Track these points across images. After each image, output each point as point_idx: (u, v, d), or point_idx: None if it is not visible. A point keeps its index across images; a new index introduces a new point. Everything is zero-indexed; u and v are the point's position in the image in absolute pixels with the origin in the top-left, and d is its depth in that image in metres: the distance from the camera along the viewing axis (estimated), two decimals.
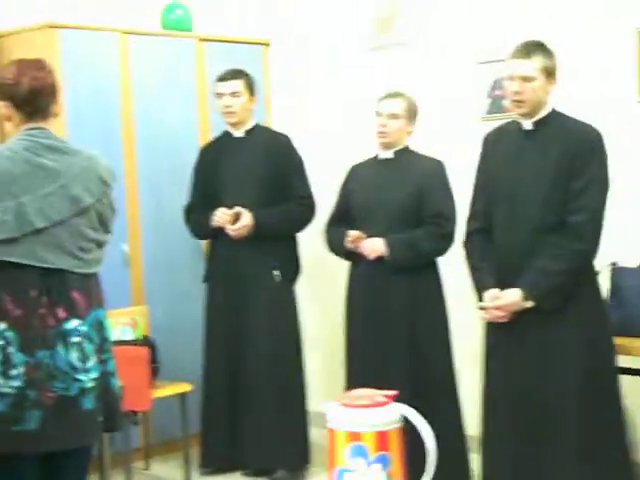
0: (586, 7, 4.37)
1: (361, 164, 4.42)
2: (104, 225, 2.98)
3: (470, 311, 3.86)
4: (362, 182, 4.34)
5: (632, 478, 3.60)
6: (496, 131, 3.77)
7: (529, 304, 3.43)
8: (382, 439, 1.78)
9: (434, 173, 4.22)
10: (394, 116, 4.16)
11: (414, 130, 4.26)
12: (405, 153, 4.26)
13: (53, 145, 2.87)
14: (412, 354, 4.10)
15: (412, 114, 4.21)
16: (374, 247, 4.13)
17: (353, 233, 4.17)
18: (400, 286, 4.13)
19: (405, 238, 4.11)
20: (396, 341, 4.10)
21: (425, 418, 1.84)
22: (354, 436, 1.77)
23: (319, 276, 5.31)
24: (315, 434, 4.70)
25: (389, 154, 4.26)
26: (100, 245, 2.98)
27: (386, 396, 1.82)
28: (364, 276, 4.24)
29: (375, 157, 4.33)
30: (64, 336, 2.81)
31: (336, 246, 4.34)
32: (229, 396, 4.58)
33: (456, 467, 4.12)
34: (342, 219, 4.36)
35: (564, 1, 4.43)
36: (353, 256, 4.26)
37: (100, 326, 2.93)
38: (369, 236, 4.16)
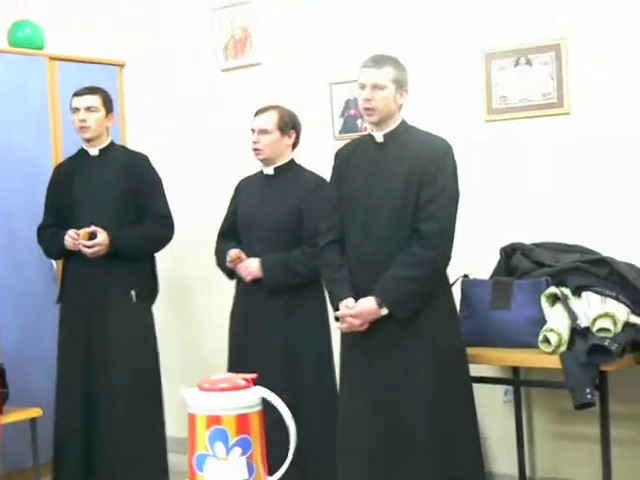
0: (438, 29, 4.52)
1: (248, 178, 4.37)
2: None
3: None
4: (245, 199, 4.30)
5: None
6: (349, 145, 3.83)
7: (384, 311, 3.46)
8: (242, 422, 1.75)
9: (314, 191, 4.11)
10: (263, 132, 4.12)
11: (296, 141, 4.20)
12: (288, 168, 4.21)
13: None
14: (289, 375, 4.03)
15: (287, 126, 4.14)
16: (250, 269, 4.09)
17: (232, 253, 4.12)
18: (277, 305, 4.10)
19: (281, 259, 4.07)
20: (273, 360, 4.02)
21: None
22: (214, 420, 1.75)
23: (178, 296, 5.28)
24: (174, 460, 4.62)
25: (270, 170, 4.21)
26: None
27: (246, 379, 1.81)
28: (244, 294, 4.22)
29: (261, 172, 4.28)
30: None
31: (220, 262, 4.28)
32: (83, 422, 4.41)
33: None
34: (231, 233, 4.31)
35: (417, 23, 4.58)
36: (235, 274, 4.22)
37: None
38: (249, 254, 4.11)
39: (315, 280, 4.10)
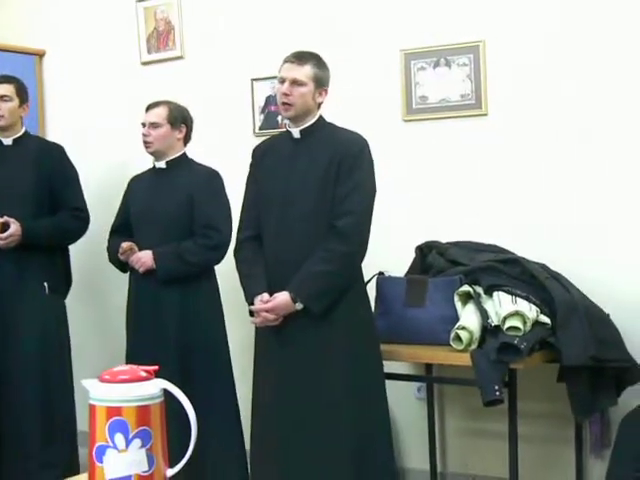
0: (358, 27, 4.54)
1: (140, 175, 4.43)
2: None
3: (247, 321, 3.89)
4: (137, 193, 4.36)
5: None
6: (266, 142, 3.84)
7: (299, 306, 3.48)
8: (143, 414, 1.75)
9: (205, 183, 4.23)
10: (155, 125, 4.20)
11: (187, 136, 4.28)
12: (180, 162, 4.28)
13: None
14: (184, 365, 4.08)
15: (177, 120, 4.23)
16: (142, 260, 4.15)
17: (124, 245, 4.18)
18: (172, 296, 4.15)
19: (173, 250, 4.13)
20: (167, 351, 4.05)
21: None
22: (114, 411, 1.74)
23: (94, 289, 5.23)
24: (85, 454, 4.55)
25: (162, 164, 4.27)
26: None
27: (147, 371, 1.80)
28: (138, 286, 4.27)
29: (153, 167, 4.33)
30: None
31: (112, 257, 4.35)
32: None
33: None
34: (122, 229, 4.36)
35: (335, 21, 4.60)
36: (127, 266, 4.27)
37: None
38: (142, 247, 4.16)
39: (208, 271, 4.23)
